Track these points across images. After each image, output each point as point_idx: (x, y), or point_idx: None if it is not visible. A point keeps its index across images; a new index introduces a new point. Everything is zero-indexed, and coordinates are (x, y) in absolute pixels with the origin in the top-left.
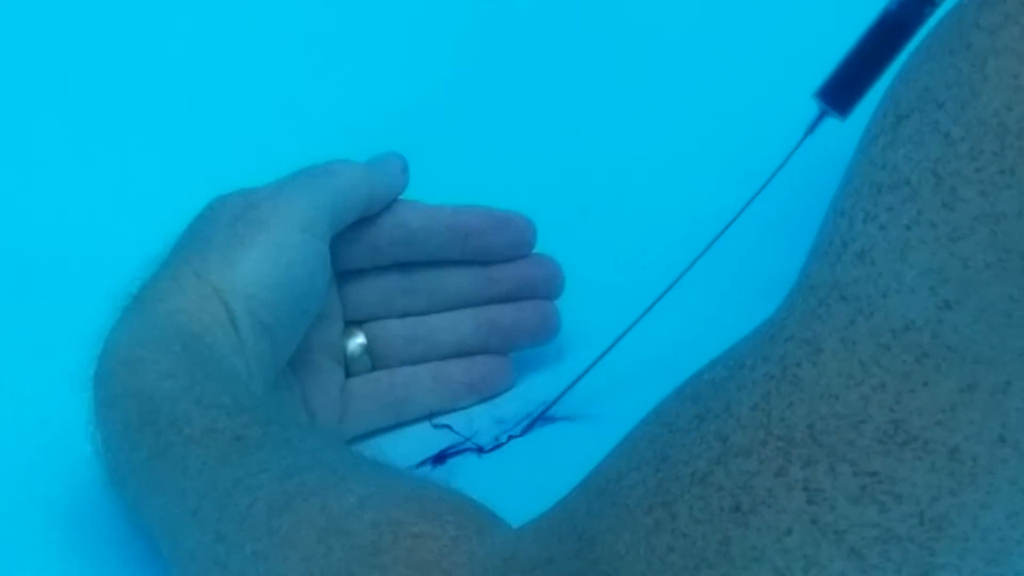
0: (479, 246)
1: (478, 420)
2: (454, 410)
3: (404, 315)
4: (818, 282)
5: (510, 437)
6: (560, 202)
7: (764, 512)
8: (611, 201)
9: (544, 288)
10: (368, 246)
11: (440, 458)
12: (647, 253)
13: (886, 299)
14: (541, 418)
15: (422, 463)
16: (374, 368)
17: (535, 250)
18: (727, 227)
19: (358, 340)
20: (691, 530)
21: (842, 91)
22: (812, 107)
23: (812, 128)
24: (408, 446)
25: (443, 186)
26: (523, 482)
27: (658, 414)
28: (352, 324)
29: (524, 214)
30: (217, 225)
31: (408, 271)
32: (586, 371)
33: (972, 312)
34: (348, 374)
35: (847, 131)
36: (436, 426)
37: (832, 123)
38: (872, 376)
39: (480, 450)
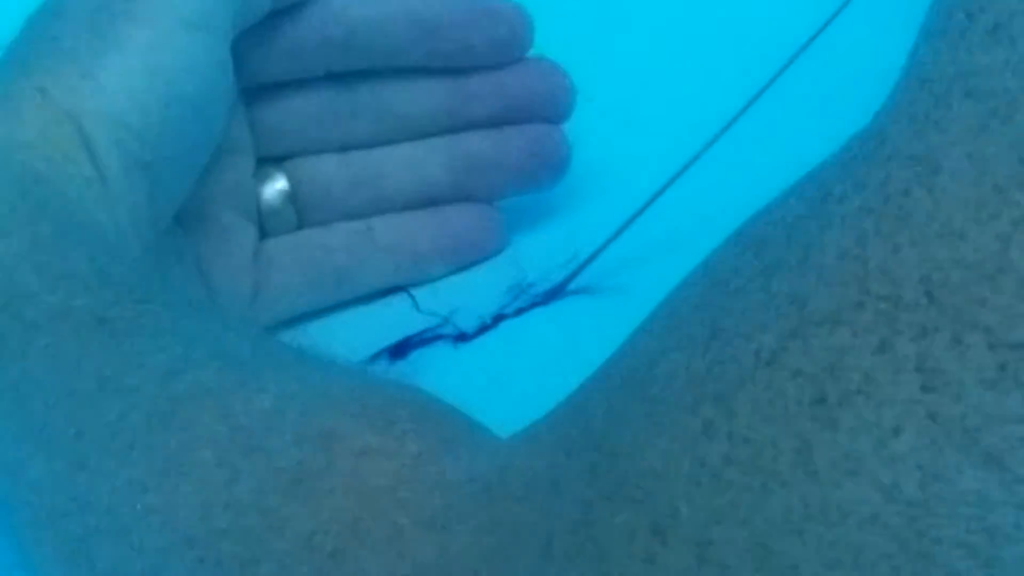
0: (451, 47)
1: (454, 296)
2: (419, 284)
3: (343, 148)
4: (933, 73)
5: (499, 319)
6: None
7: (861, 405)
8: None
9: (545, 106)
10: (289, 49)
11: (400, 349)
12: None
13: None
14: (545, 293)
15: (375, 356)
16: (301, 225)
17: (531, 53)
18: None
19: (277, 185)
20: (756, 433)
21: None
22: None
23: None
24: (353, 333)
25: None
26: (517, 380)
27: (707, 270)
28: (269, 162)
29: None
30: (69, 19)
31: (348, 85)
32: (620, 231)
33: None
34: (264, 233)
35: None
36: (390, 305)
37: None
38: (1013, 206)
39: (458, 337)
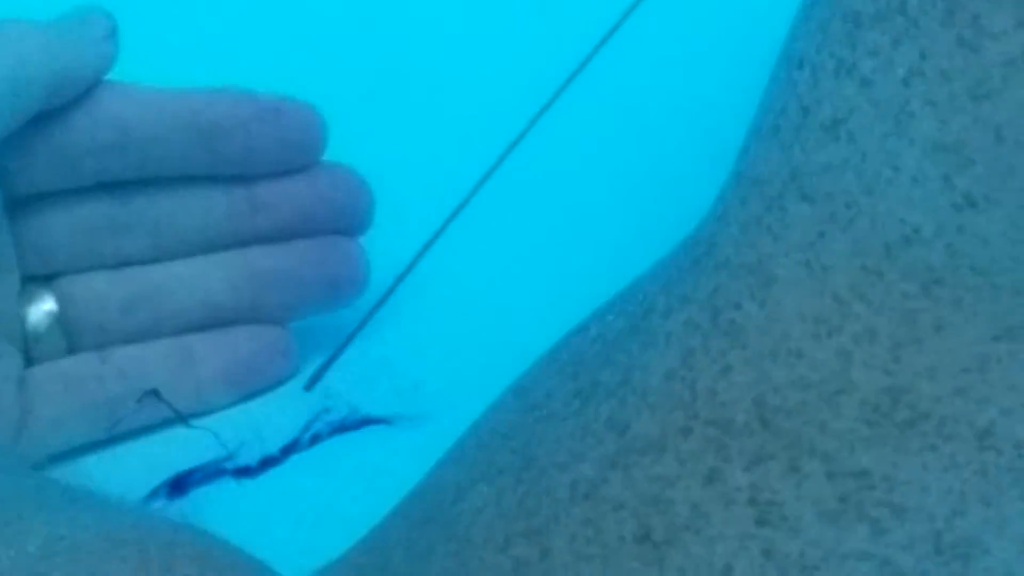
0: (235, 151)
1: (240, 427)
2: (201, 414)
3: (118, 265)
4: (765, 173)
5: (289, 450)
6: None
7: (689, 541)
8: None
9: (341, 217)
10: (56, 155)
11: (180, 485)
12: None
13: (873, 197)
14: (342, 422)
15: (152, 493)
16: (72, 350)
17: (325, 156)
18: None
19: (44, 306)
20: (573, 574)
21: None
22: None
23: None
24: (129, 468)
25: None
26: (309, 519)
27: (518, 393)
28: (35, 281)
29: (302, 100)
30: None
31: (123, 195)
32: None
33: (1009, 213)
34: (30, 360)
35: None
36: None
37: None
38: (854, 320)
39: (243, 471)
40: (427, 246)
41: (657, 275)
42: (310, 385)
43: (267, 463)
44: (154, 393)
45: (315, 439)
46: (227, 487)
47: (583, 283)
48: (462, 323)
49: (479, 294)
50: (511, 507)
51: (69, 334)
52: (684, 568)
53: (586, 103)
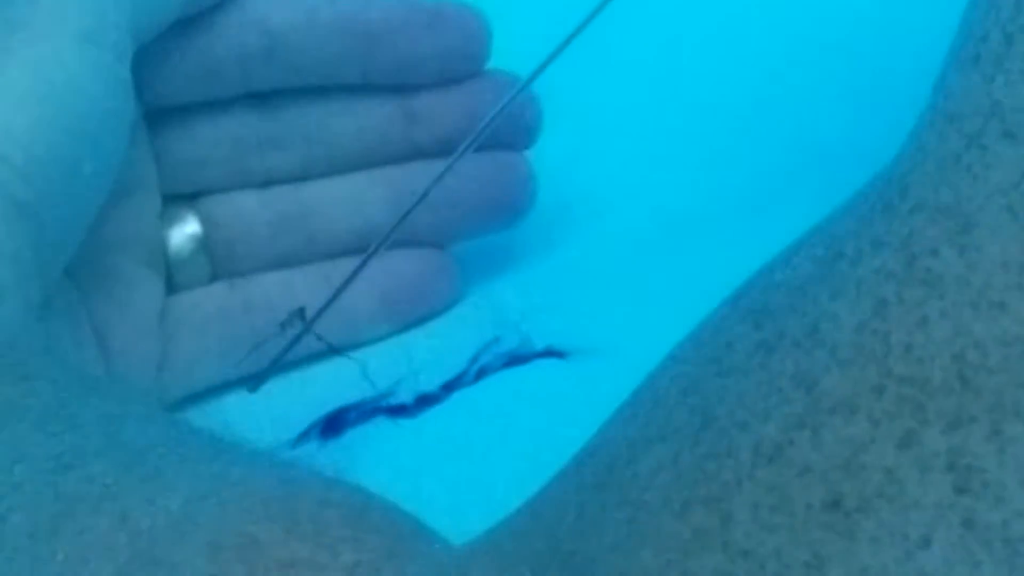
0: (393, 59)
1: (399, 361)
2: (355, 346)
3: (266, 183)
4: (964, 108)
5: (451, 387)
6: None
7: (882, 509)
8: None
9: (507, 130)
10: (200, 64)
11: (334, 425)
12: None
13: None
14: (507, 355)
15: (303, 434)
16: (216, 276)
17: (490, 64)
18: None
19: (188, 229)
20: (757, 544)
21: None
22: None
23: None
24: (277, 408)
25: None
26: (472, 466)
27: (697, 344)
28: (178, 201)
29: (464, 3)
30: None
31: (271, 107)
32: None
33: None
34: (173, 287)
35: None
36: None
37: None
38: None
39: (402, 411)
40: None
41: (846, 217)
42: (254, 387)
43: (427, 401)
44: (300, 315)
45: (482, 373)
46: (383, 427)
47: (771, 221)
48: (644, 258)
49: (663, 229)
50: (689, 470)
51: (213, 259)
52: (877, 538)
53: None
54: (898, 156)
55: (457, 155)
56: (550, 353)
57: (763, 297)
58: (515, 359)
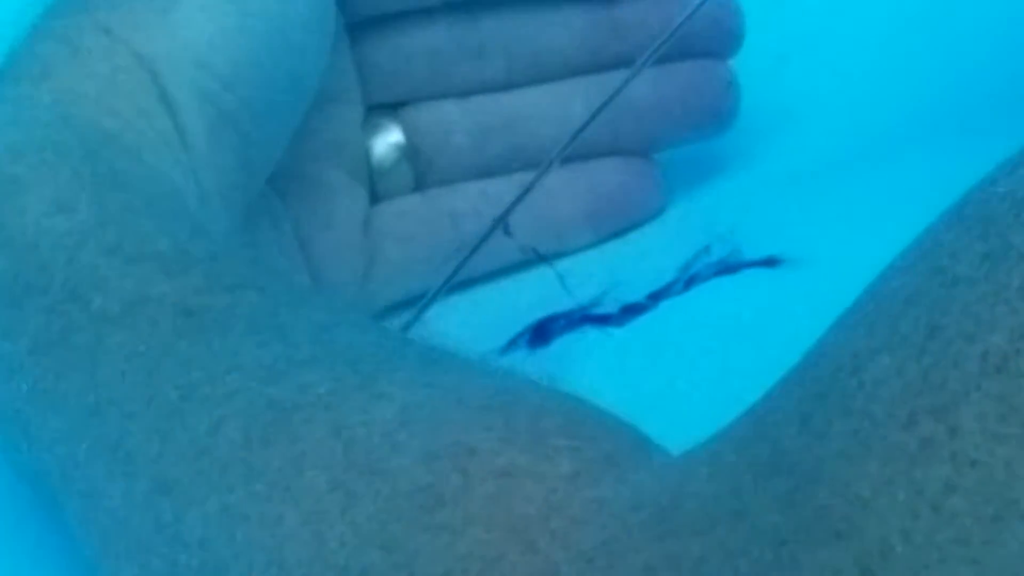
0: None
1: (606, 269)
2: (563, 254)
3: (467, 93)
4: None
5: (660, 297)
6: None
7: None
8: None
9: (710, 39)
10: None
11: (542, 334)
12: None
13: None
14: (718, 264)
15: (511, 343)
16: (420, 186)
17: None
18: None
19: (391, 138)
20: (986, 454)
21: None
22: None
23: None
24: (484, 316)
25: None
26: (686, 376)
27: (921, 253)
28: (380, 110)
29: None
30: None
31: (472, 16)
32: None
33: None
34: (376, 196)
35: None
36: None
37: None
38: None
39: (611, 320)
40: None
41: None
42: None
43: (634, 310)
44: (503, 223)
45: (691, 282)
46: (595, 337)
47: (983, 133)
48: (851, 167)
49: (869, 138)
50: (915, 380)
51: (416, 168)
52: None
53: None
54: None
55: (643, 60)
56: (762, 263)
57: (987, 207)
58: (726, 268)
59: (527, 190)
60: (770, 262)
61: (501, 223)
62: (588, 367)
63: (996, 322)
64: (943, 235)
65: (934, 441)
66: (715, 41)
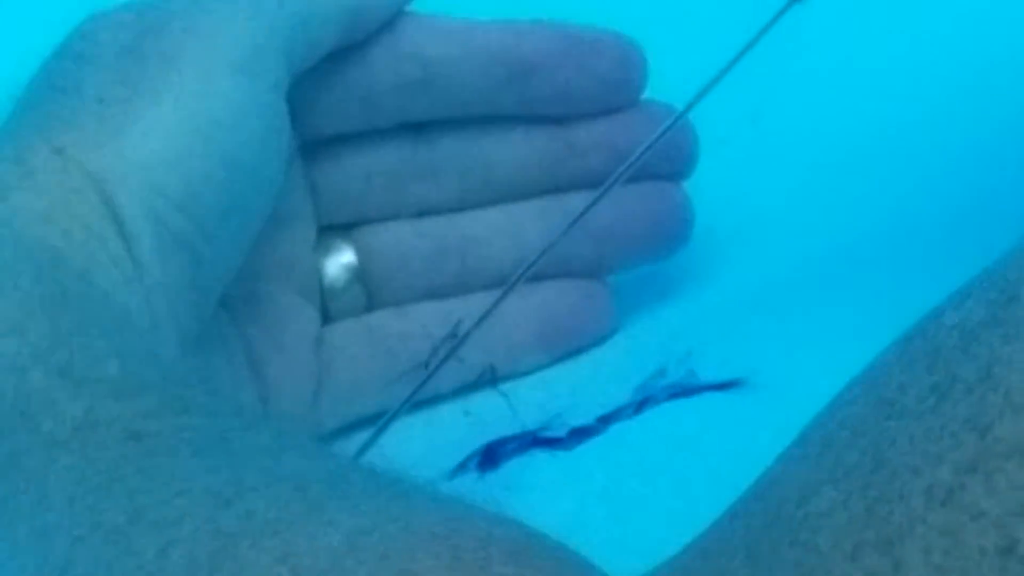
0: (548, 90)
1: (556, 393)
2: (513, 377)
3: (421, 214)
4: None
5: (610, 420)
6: None
7: None
8: None
9: (663, 160)
10: (355, 94)
11: (491, 457)
12: None
13: None
14: (668, 389)
15: (459, 467)
16: (371, 307)
17: (646, 94)
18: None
19: (343, 259)
20: None
21: None
22: None
23: None
24: (436, 440)
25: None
26: (631, 503)
27: (868, 385)
28: (333, 231)
29: (622, 33)
30: (92, 63)
31: (427, 137)
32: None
33: None
34: (328, 317)
35: None
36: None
37: None
38: None
39: (561, 443)
40: None
41: (1019, 260)
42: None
43: (583, 433)
44: (454, 337)
45: (644, 404)
46: (541, 460)
47: (935, 257)
48: (804, 290)
49: (824, 261)
50: (861, 513)
51: (369, 289)
52: None
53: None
54: None
55: (608, 185)
56: (716, 386)
57: (935, 340)
58: (681, 391)
59: (483, 317)
60: (724, 386)
61: (455, 350)
62: (536, 491)
63: (942, 456)
64: (890, 367)
65: (879, 574)
66: (669, 163)
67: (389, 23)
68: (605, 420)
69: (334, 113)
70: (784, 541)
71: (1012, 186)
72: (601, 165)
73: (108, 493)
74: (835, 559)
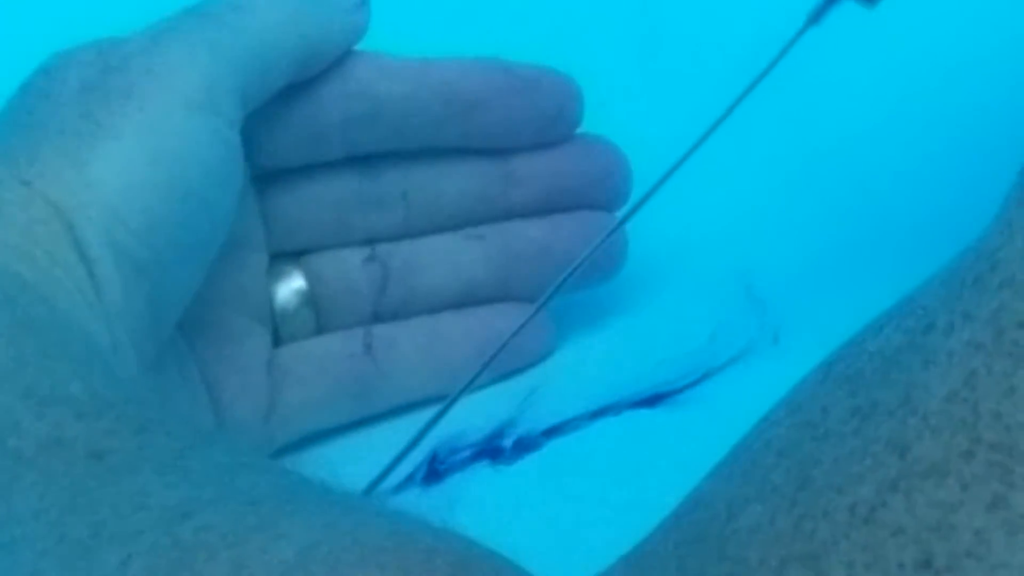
0: (490, 124)
1: (496, 410)
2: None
3: (368, 241)
4: None
5: (549, 435)
6: None
7: (971, 569)
8: None
9: (599, 191)
10: (306, 129)
11: (434, 473)
12: None
13: None
14: (603, 406)
15: (404, 483)
16: (321, 330)
17: (582, 128)
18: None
19: (294, 284)
20: None
21: None
22: None
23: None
24: (380, 456)
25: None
26: (570, 516)
27: (792, 408)
28: (284, 258)
29: (559, 71)
30: (56, 99)
31: (373, 169)
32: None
33: None
34: (279, 340)
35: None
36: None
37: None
38: None
39: (501, 457)
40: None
41: (937, 289)
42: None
43: (526, 447)
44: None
45: (584, 420)
46: (484, 473)
47: (856, 286)
48: (732, 314)
49: (752, 285)
50: (786, 529)
51: (318, 313)
52: None
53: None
54: (987, 231)
55: (545, 298)
56: (641, 404)
57: (856, 365)
58: (612, 408)
59: (515, 334)
60: (650, 402)
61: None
62: (479, 505)
63: (864, 475)
64: (814, 390)
65: None
66: (603, 193)
67: (339, 61)
68: (548, 434)
69: (286, 146)
70: (713, 555)
71: (920, 218)
72: (538, 195)
73: (72, 508)
74: (762, 573)
